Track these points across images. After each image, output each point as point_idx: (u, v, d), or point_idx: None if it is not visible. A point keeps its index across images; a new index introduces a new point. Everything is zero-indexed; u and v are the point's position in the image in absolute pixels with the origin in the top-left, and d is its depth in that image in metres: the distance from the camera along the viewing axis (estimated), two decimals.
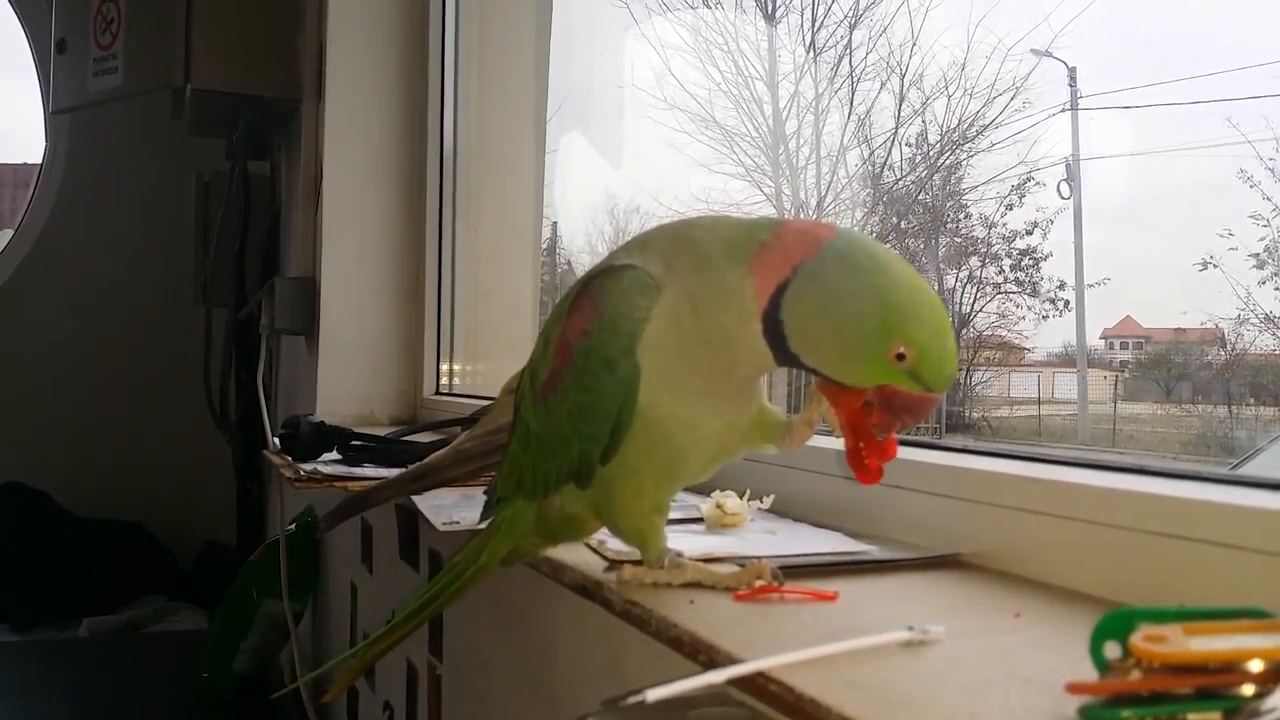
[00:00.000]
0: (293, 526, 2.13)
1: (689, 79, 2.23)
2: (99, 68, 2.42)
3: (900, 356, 0.58)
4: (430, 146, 2.05)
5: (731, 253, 0.62)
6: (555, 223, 2.55)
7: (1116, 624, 0.44)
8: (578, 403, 0.65)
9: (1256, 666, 0.41)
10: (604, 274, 0.65)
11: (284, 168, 2.74)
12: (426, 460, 1.00)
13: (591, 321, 0.64)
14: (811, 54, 2.15)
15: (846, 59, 2.06)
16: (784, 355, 0.61)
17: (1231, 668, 0.41)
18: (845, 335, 0.59)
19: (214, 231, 2.85)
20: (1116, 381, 2.08)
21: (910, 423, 0.62)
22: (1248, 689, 0.41)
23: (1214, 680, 0.41)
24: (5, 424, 3.38)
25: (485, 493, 0.81)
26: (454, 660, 1.29)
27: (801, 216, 1.82)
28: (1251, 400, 1.71)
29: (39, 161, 3.62)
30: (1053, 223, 1.93)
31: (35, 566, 3.13)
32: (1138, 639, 0.42)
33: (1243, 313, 1.53)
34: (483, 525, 0.79)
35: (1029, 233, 2.02)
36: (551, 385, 0.67)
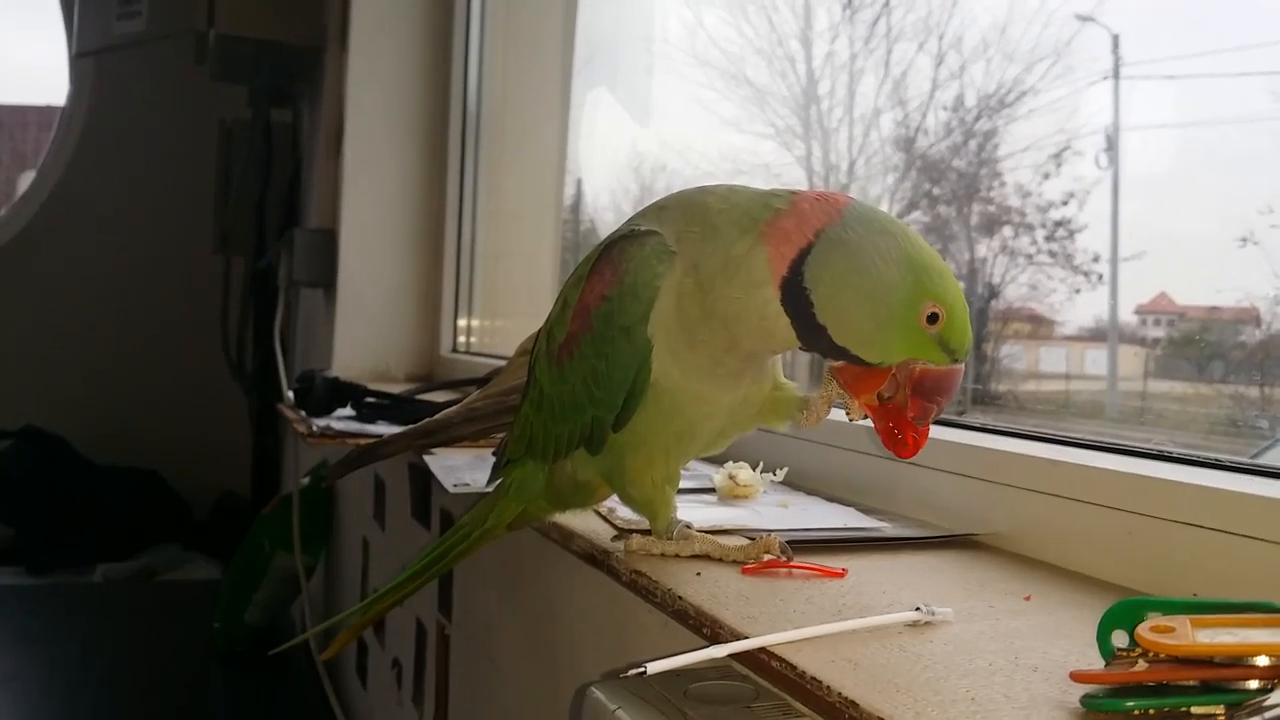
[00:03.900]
0: (306, 480, 2.13)
1: (721, 35, 2.19)
2: (123, 10, 2.41)
3: (932, 318, 0.57)
4: (453, 99, 2.03)
5: (741, 221, 0.60)
6: (579, 180, 2.53)
7: (1125, 613, 0.43)
8: (593, 368, 0.64)
9: (1263, 661, 0.40)
10: (626, 239, 0.64)
11: (307, 117, 2.73)
12: (436, 417, 0.99)
13: (612, 287, 0.63)
14: (848, 12, 2.11)
15: (884, 18, 2.02)
16: (808, 329, 0.59)
17: (1237, 661, 0.40)
18: (878, 300, 0.58)
19: (235, 179, 2.85)
20: (1147, 358, 2.05)
21: (943, 404, 0.60)
22: (1252, 684, 0.40)
23: (1219, 674, 0.40)
24: (22, 368, 3.40)
25: (494, 453, 0.80)
26: (463, 620, 1.29)
27: (830, 180, 1.79)
28: None
29: (62, 104, 3.61)
30: (1089, 194, 1.89)
31: (51, 511, 3.16)
32: (1144, 629, 0.42)
33: None
34: (491, 488, 0.78)
35: (1064, 203, 1.97)
36: (568, 349, 0.66)
